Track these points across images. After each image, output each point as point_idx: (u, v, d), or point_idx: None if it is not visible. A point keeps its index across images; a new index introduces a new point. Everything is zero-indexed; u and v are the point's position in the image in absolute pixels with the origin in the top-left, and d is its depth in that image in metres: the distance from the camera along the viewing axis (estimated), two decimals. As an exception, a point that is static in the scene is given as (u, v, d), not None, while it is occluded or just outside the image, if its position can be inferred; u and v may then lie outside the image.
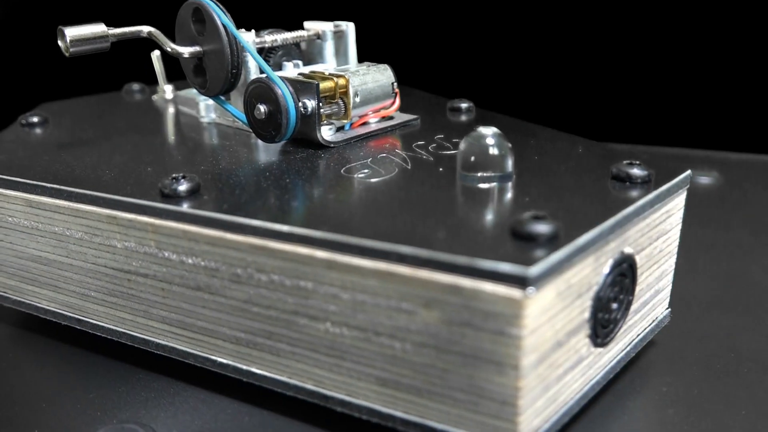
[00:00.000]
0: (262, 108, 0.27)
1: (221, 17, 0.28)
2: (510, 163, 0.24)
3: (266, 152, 0.29)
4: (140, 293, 0.25)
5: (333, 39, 0.34)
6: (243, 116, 0.29)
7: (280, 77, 0.28)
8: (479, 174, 0.24)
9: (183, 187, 0.24)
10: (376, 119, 0.32)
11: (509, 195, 0.23)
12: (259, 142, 0.30)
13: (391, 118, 0.32)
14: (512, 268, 0.18)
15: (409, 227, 0.21)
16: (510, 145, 0.24)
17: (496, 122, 0.33)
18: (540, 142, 0.29)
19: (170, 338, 0.25)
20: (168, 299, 0.25)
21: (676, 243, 0.26)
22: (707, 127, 0.52)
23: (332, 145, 0.29)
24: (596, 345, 0.22)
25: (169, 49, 0.30)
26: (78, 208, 0.25)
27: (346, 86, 0.29)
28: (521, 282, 0.18)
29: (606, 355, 0.23)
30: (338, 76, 0.29)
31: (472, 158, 0.24)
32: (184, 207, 0.23)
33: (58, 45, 0.28)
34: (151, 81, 0.43)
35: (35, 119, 0.35)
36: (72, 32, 0.27)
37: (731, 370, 0.26)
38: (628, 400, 0.24)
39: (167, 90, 0.40)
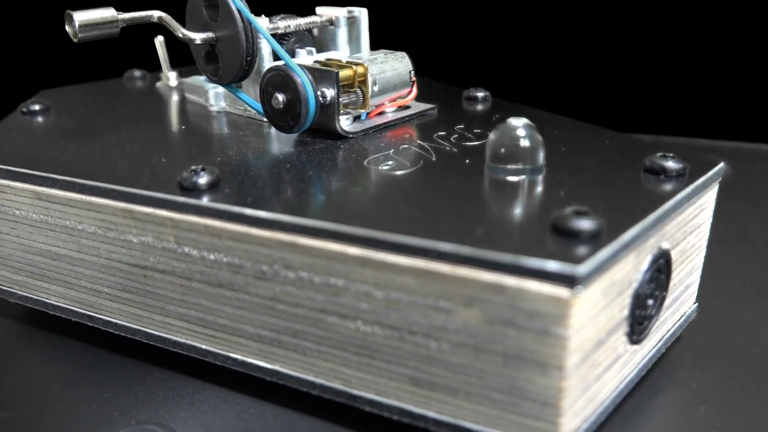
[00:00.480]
0: (281, 97, 0.27)
1: (236, 2, 0.27)
2: (541, 156, 0.23)
3: (283, 142, 0.28)
4: (157, 290, 0.24)
5: (346, 25, 0.33)
6: (258, 105, 0.28)
7: (299, 65, 0.27)
8: (510, 166, 0.23)
9: (203, 179, 0.23)
10: (393, 108, 0.31)
11: (543, 189, 0.22)
12: (273, 131, 0.29)
13: (407, 107, 0.32)
14: (560, 267, 0.17)
15: (445, 222, 0.20)
16: (540, 137, 0.23)
17: (515, 112, 0.32)
18: (564, 132, 0.29)
19: (189, 336, 0.25)
20: (187, 296, 0.24)
21: (707, 237, 0.25)
22: (710, 117, 0.52)
23: (351, 136, 0.28)
24: (632, 342, 0.22)
25: (180, 35, 0.29)
26: (91, 201, 0.24)
27: (365, 75, 0.28)
28: (569, 281, 0.17)
29: (639, 352, 0.23)
30: (356, 64, 0.28)
31: (503, 150, 0.23)
32: (205, 201, 0.22)
33: (56, 29, 0.27)
34: (153, 68, 0.42)
35: (37, 107, 0.33)
36: (81, 17, 0.26)
37: (760, 365, 0.26)
38: (659, 397, 0.24)
39: (171, 77, 0.39)
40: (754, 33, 0.49)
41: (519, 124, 0.23)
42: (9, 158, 0.27)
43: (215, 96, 0.33)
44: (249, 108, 0.31)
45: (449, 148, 0.27)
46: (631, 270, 0.20)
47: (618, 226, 0.19)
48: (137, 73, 0.41)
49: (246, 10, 0.27)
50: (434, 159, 0.25)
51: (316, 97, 0.26)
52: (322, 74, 0.27)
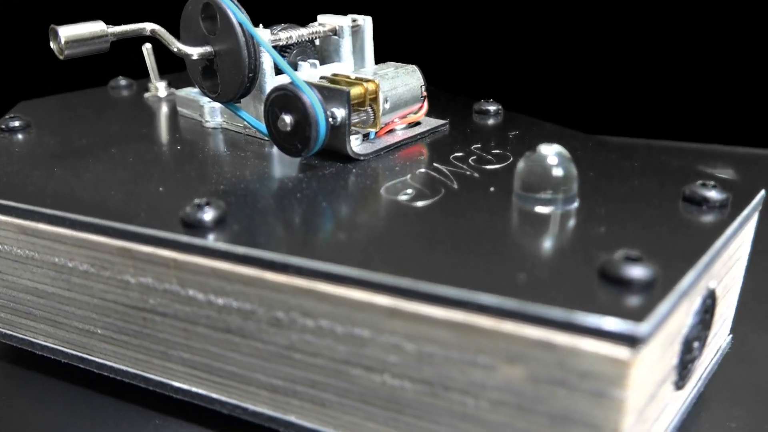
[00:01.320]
0: (288, 119, 0.24)
1: (236, 14, 0.25)
2: (575, 186, 0.22)
3: (288, 166, 0.26)
4: (158, 333, 0.22)
5: (350, 35, 0.31)
6: (262, 126, 0.26)
7: (307, 83, 0.25)
8: (541, 196, 0.21)
9: (209, 215, 0.21)
10: (403, 126, 0.29)
11: (580, 223, 0.21)
12: (276, 151, 0.27)
13: (417, 123, 0.30)
14: (620, 326, 0.15)
15: (481, 267, 0.18)
16: (575, 167, 0.22)
17: (530, 127, 0.30)
18: (588, 153, 0.27)
19: (193, 382, 0.23)
20: (191, 341, 0.22)
21: (744, 267, 0.24)
22: (717, 122, 0.51)
23: (362, 158, 0.26)
24: (677, 389, 0.20)
25: (175, 50, 0.26)
26: (84, 238, 0.22)
27: (376, 92, 0.26)
28: (630, 341, 0.15)
29: (682, 397, 0.21)
30: (367, 81, 0.26)
31: (534, 180, 0.22)
32: (212, 240, 0.20)
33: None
34: (138, 74, 0.39)
35: (16, 123, 0.31)
36: (67, 32, 0.24)
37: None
38: (699, 439, 0.23)
39: (160, 87, 0.36)
40: (749, 35, 0.48)
41: (551, 152, 0.21)
42: (-11, 187, 0.24)
43: (211, 111, 0.31)
44: (249, 125, 0.29)
45: (469, 173, 0.25)
46: (683, 316, 0.18)
47: (672, 273, 0.17)
48: (123, 81, 0.39)
49: (248, 23, 0.25)
50: (455, 186, 0.24)
51: (326, 118, 0.25)
52: (331, 93, 0.25)
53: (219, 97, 0.27)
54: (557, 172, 0.21)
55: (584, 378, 0.16)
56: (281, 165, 0.26)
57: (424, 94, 0.29)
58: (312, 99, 0.24)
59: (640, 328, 0.15)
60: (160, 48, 0.32)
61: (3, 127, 0.31)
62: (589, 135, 0.29)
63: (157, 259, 0.21)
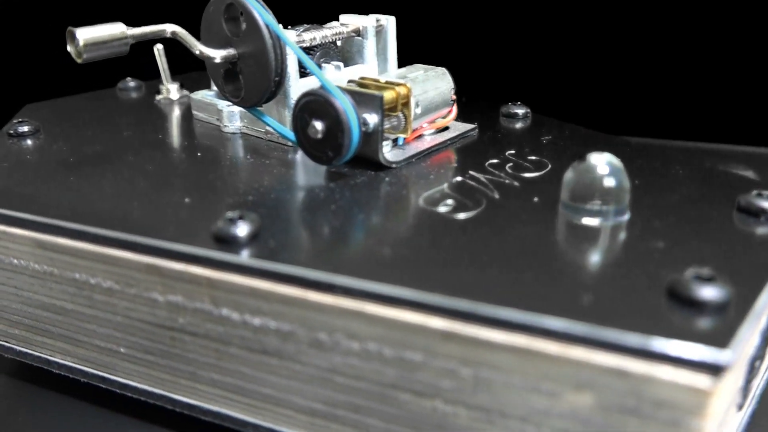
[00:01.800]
0: (318, 125, 0.23)
1: (263, 15, 0.24)
2: (628, 197, 0.21)
3: (316, 174, 0.25)
4: (187, 353, 0.21)
5: (375, 36, 0.30)
6: (289, 132, 0.25)
7: (339, 88, 0.23)
8: (591, 208, 0.20)
9: (243, 230, 0.20)
10: (431, 131, 0.28)
11: (635, 237, 0.20)
12: (300, 157, 0.26)
13: (446, 128, 0.29)
14: (703, 353, 0.14)
15: (540, 287, 0.17)
16: (627, 177, 0.21)
17: (561, 131, 0.29)
18: (627, 158, 0.26)
19: (223, 404, 0.21)
20: (223, 362, 0.21)
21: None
22: (735, 122, 0.50)
23: (394, 166, 0.25)
24: (738, 409, 0.19)
25: (197, 52, 0.25)
26: (108, 253, 0.21)
27: (408, 96, 0.25)
28: (713, 369, 0.14)
29: (740, 417, 0.20)
30: (398, 85, 0.25)
31: (584, 190, 0.21)
32: (248, 257, 0.19)
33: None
34: (146, 75, 0.38)
35: (25, 128, 0.29)
36: (86, 35, 0.22)
37: None
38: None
39: (172, 89, 0.35)
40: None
41: (603, 161, 0.20)
42: (3, 198, 0.23)
43: (229, 115, 0.29)
44: (271, 130, 0.27)
45: (508, 181, 0.24)
46: (754, 337, 0.17)
47: (746, 293, 0.16)
48: (132, 83, 0.37)
49: (275, 25, 0.24)
50: (497, 196, 0.23)
51: (360, 125, 0.23)
52: (364, 98, 0.24)
53: (242, 102, 0.26)
54: (609, 182, 0.20)
55: (659, 407, 0.15)
56: (309, 173, 0.25)
57: (454, 97, 0.28)
58: (345, 105, 0.23)
59: (724, 355, 0.14)
60: (170, 48, 0.30)
61: (12, 132, 0.29)
62: (626, 138, 0.28)
63: (188, 277, 0.20)
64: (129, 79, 0.38)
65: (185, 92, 0.35)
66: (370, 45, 0.30)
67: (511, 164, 0.25)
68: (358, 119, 0.23)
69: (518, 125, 0.31)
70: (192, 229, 0.21)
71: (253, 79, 0.25)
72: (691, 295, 0.16)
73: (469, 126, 0.29)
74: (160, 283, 0.20)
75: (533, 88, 0.50)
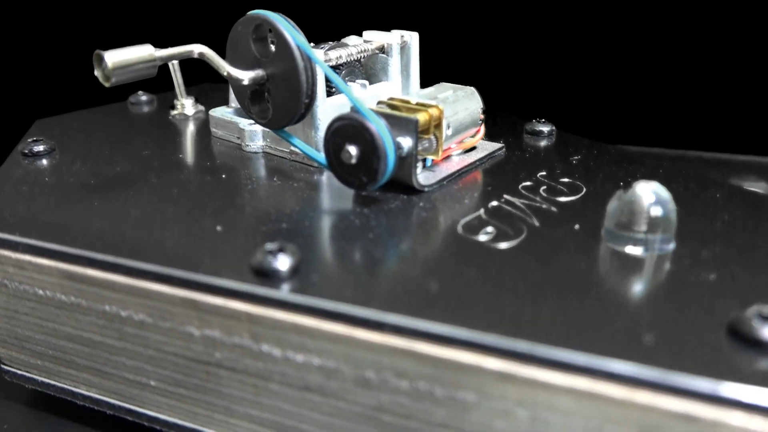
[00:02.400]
0: (353, 150, 0.23)
1: (294, 36, 0.23)
2: (674, 227, 0.20)
3: (348, 199, 0.24)
4: (222, 388, 0.20)
5: (399, 53, 0.29)
6: (320, 157, 0.25)
7: (374, 112, 0.23)
8: (637, 237, 0.20)
9: (284, 264, 0.19)
10: (459, 151, 0.28)
11: (685, 269, 0.19)
12: (329, 179, 0.26)
13: (473, 147, 0.28)
14: (777, 400, 0.14)
15: (599, 326, 0.17)
16: (674, 205, 0.20)
17: (589, 150, 0.29)
18: (665, 180, 0.25)
19: (260, 440, 0.21)
20: (262, 397, 0.20)
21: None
22: (745, 131, 0.50)
23: (426, 189, 0.25)
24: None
25: (225, 74, 0.25)
26: (141, 286, 0.20)
27: (440, 118, 0.25)
28: (787, 416, 0.14)
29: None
30: (429, 106, 0.25)
31: (630, 220, 0.20)
32: (290, 292, 0.18)
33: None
34: (154, 87, 0.37)
35: (41, 148, 0.29)
36: (114, 58, 0.22)
37: None
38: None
39: (187, 104, 0.34)
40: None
41: (649, 190, 0.20)
42: (27, 226, 0.22)
43: (251, 134, 0.29)
44: (296, 150, 0.27)
45: (545, 206, 0.23)
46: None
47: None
48: (144, 97, 0.36)
49: (306, 45, 0.23)
50: (537, 223, 0.22)
51: (395, 149, 0.23)
52: (399, 122, 0.23)
53: (269, 124, 0.25)
54: (656, 211, 0.20)
55: (729, 453, 0.15)
56: (339, 197, 0.25)
57: (482, 117, 0.28)
58: (381, 130, 0.22)
59: (801, 403, 0.14)
60: (184, 62, 0.30)
61: (27, 152, 0.29)
62: (657, 158, 0.28)
63: (227, 312, 0.19)
64: (141, 92, 0.37)
65: (200, 107, 0.35)
66: (394, 62, 0.29)
67: (545, 187, 0.25)
68: (393, 144, 0.23)
69: (544, 143, 0.30)
70: (229, 260, 0.20)
71: (282, 101, 0.24)
72: (757, 334, 0.16)
73: (496, 145, 0.29)
74: (197, 318, 0.20)
75: (539, 100, 0.49)
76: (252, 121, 0.29)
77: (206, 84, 0.40)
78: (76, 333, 0.22)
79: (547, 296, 0.18)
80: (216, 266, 0.20)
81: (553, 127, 0.31)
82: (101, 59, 0.22)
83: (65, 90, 0.45)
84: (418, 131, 0.23)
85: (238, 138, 0.29)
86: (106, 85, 0.22)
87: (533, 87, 0.51)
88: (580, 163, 0.27)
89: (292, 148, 0.27)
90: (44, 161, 0.28)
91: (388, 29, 0.30)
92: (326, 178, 0.26)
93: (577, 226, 0.22)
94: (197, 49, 0.24)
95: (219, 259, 0.20)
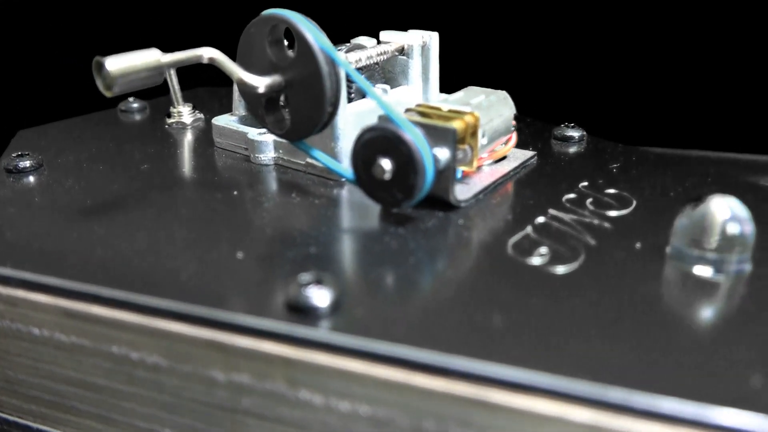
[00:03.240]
0: (387, 165, 0.20)
1: (317, 39, 0.21)
2: (752, 245, 0.18)
3: (378, 217, 0.22)
4: (251, 438, 0.18)
5: (421, 55, 0.27)
6: (346, 171, 0.22)
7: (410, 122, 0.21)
8: (711, 258, 0.18)
9: (323, 299, 0.17)
10: (489, 161, 0.25)
11: (755, 292, 0.18)
12: (353, 194, 0.23)
13: (504, 156, 0.26)
14: None
15: (695, 367, 0.15)
16: (753, 222, 0.18)
17: (628, 156, 0.27)
18: (715, 190, 0.24)
19: (294, 495, 0.18)
20: (297, 449, 0.18)
21: None
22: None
23: (462, 205, 0.22)
24: None
25: (237, 81, 0.22)
26: (156, 326, 0.18)
27: (476, 126, 0.23)
28: None
29: None
30: (464, 113, 0.22)
31: (700, 238, 0.18)
32: (330, 330, 0.16)
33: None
34: (145, 93, 0.34)
35: (26, 163, 0.26)
36: (116, 65, 0.19)
37: None
38: None
39: (185, 112, 0.32)
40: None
41: (724, 205, 0.18)
42: (18, 256, 0.20)
43: (261, 145, 0.26)
44: (313, 162, 0.24)
45: (596, 222, 0.21)
46: None
47: None
48: (135, 104, 0.34)
49: (331, 49, 0.21)
50: (592, 242, 0.20)
51: (433, 163, 0.21)
52: (435, 132, 0.21)
53: (288, 135, 0.23)
54: (733, 229, 0.18)
55: None
56: (366, 214, 0.22)
57: (514, 123, 0.26)
58: (418, 141, 0.20)
59: None
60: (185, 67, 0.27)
61: (11, 168, 0.26)
62: (701, 163, 0.26)
63: (259, 355, 0.17)
64: (132, 99, 0.34)
65: (199, 115, 0.32)
66: (415, 65, 0.27)
67: (590, 200, 0.23)
68: (432, 157, 0.20)
69: (574, 149, 0.28)
70: (257, 295, 0.18)
71: (303, 110, 0.22)
72: None
73: (528, 153, 0.27)
74: (223, 361, 0.17)
75: (538, 99, 0.47)
76: (262, 131, 0.26)
77: (200, 89, 0.37)
78: (78, 377, 0.20)
79: (625, 331, 0.16)
80: (244, 302, 0.17)
81: (584, 132, 0.29)
82: (101, 66, 0.19)
83: (65, 90, 0.42)
84: (455, 142, 0.21)
85: (246, 149, 0.27)
86: (108, 95, 0.20)
87: (533, 87, 0.49)
88: (621, 171, 0.25)
89: (309, 159, 0.25)
90: (31, 178, 0.25)
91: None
92: (349, 192, 0.24)
93: (638, 245, 0.20)
94: (207, 53, 0.21)
95: (246, 293, 0.18)
